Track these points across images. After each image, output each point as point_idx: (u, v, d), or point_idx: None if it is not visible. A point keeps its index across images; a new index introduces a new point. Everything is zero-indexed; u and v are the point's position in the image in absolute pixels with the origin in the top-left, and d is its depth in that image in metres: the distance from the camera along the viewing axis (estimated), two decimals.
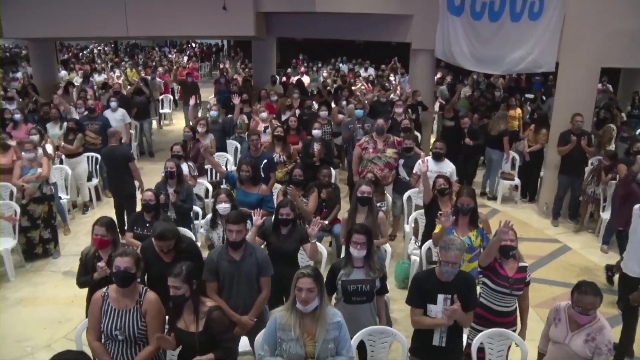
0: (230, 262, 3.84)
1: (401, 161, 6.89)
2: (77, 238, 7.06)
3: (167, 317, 3.42)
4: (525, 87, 14.17)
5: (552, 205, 8.03)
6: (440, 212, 4.92)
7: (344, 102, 9.99)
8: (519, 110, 9.97)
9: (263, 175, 6.31)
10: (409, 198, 6.64)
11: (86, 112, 8.65)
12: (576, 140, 7.41)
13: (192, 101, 8.85)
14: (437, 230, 4.63)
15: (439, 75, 14.34)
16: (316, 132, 7.33)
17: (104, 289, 3.38)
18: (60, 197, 7.30)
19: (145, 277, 4.03)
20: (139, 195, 6.53)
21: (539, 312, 5.33)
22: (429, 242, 5.14)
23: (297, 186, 5.79)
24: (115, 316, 3.29)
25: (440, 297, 3.54)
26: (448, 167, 6.38)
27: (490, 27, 8.70)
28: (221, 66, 20.11)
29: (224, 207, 4.78)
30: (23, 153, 6.39)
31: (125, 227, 5.49)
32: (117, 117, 9.13)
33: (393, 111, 8.72)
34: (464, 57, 9.33)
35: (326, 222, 6.15)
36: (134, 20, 10.04)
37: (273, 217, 4.73)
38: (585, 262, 6.83)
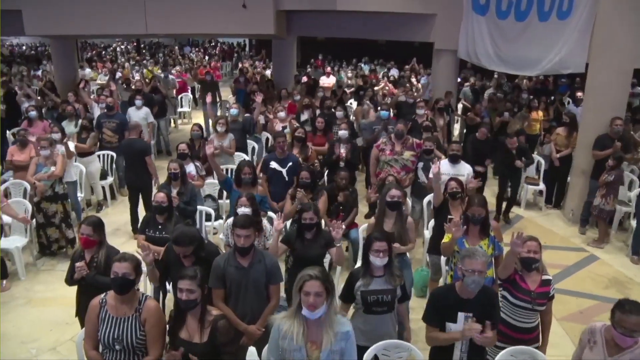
0: (238, 268, 3.66)
1: (420, 164, 6.65)
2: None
3: (167, 326, 3.25)
4: (553, 89, 13.76)
5: (579, 212, 7.69)
6: (450, 217, 4.71)
7: (367, 102, 9.76)
8: (541, 113, 9.64)
9: (287, 178, 6.19)
10: (429, 202, 6.39)
11: (105, 110, 8.58)
12: (620, 145, 7.08)
13: (208, 99, 8.74)
14: (446, 239, 4.38)
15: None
16: (342, 132, 7.08)
17: (102, 295, 3.22)
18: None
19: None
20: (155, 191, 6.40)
21: (565, 326, 5.06)
22: None
23: (304, 189, 5.58)
24: (113, 324, 3.12)
25: (461, 315, 3.29)
26: (465, 169, 6.14)
27: (516, 27, 8.42)
28: (240, 65, 20.03)
29: (244, 211, 4.56)
30: (40, 150, 6.31)
31: (138, 226, 5.34)
32: (140, 115, 9.07)
33: (415, 113, 8.49)
34: (488, 57, 9.07)
35: (343, 226, 5.94)
36: (153, 18, 9.98)
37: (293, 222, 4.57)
38: (615, 273, 6.49)
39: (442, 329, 3.33)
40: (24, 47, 27.82)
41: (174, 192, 5.48)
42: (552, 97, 11.70)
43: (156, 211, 4.85)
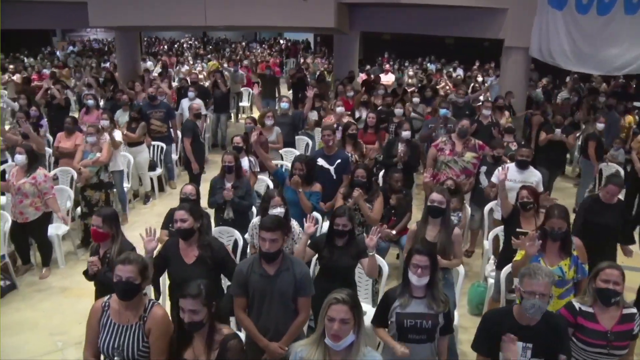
0: (263, 276, 3.23)
1: (483, 168, 6.07)
2: (133, 229, 6.81)
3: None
4: (635, 93, 12.61)
5: None
6: (520, 231, 4.11)
7: (416, 100, 9.25)
8: (629, 118, 8.71)
9: (335, 177, 5.76)
10: (491, 210, 5.83)
11: (147, 100, 8.49)
12: None
13: (255, 90, 8.48)
14: (518, 257, 3.80)
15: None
16: (406, 133, 6.60)
17: (106, 298, 2.90)
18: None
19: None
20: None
21: None
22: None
23: (360, 189, 5.08)
24: (114, 332, 2.80)
25: (519, 345, 2.79)
26: (534, 176, 5.52)
27: (598, 22, 7.68)
28: (302, 61, 19.84)
29: (276, 212, 4.14)
30: (87, 137, 6.23)
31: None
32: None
33: (479, 113, 7.87)
34: (563, 55, 8.36)
35: (393, 231, 5.50)
36: (212, 10, 9.87)
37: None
38: None
39: None
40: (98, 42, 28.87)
41: (228, 185, 5.14)
42: (635, 103, 10.70)
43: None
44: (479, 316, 5.02)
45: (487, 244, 5.59)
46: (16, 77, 12.68)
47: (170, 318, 2.85)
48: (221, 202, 5.01)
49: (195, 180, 7.05)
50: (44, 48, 22.31)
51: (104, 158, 6.16)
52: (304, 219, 3.92)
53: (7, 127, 9.05)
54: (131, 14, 10.05)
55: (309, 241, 3.89)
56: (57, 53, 21.61)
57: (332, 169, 5.78)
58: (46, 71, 14.10)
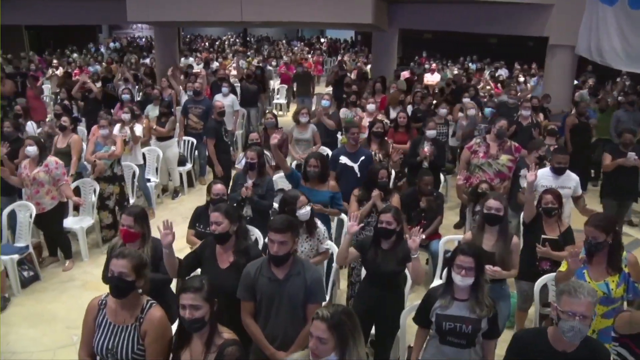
0: (271, 280, 3.03)
1: (524, 171, 5.70)
2: (159, 224, 6.78)
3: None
4: None
5: None
6: (544, 237, 3.91)
7: (465, 100, 8.90)
8: None
9: (359, 175, 5.50)
10: None
11: (191, 95, 8.46)
12: None
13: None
14: (563, 268, 3.52)
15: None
16: (430, 132, 6.33)
17: (103, 296, 2.75)
18: (148, 180, 7.12)
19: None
20: None
21: None
22: (547, 278, 4.03)
23: (381, 189, 4.85)
24: (109, 332, 2.66)
25: None
26: (571, 180, 5.15)
27: None
28: (339, 58, 19.66)
29: (305, 212, 3.90)
30: (99, 129, 6.20)
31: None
32: (226, 102, 8.84)
33: (517, 114, 7.51)
34: (614, 54, 7.89)
35: (423, 235, 5.24)
36: (248, 6, 9.82)
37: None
38: None
39: None
40: (142, 39, 29.45)
41: (249, 182, 4.97)
42: None
43: (212, 204, 4.34)
44: (511, 329, 4.74)
45: None
46: (59, 72, 12.98)
47: (168, 321, 2.68)
48: (239, 198, 4.86)
49: (221, 178, 6.94)
50: (90, 45, 22.87)
51: (118, 151, 6.11)
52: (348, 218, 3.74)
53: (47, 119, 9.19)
54: (168, 10, 10.10)
55: (353, 241, 3.69)
56: (102, 49, 22.11)
57: (355, 166, 5.57)
58: (91, 68, 14.37)
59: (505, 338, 3.98)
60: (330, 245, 4.27)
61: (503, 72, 15.45)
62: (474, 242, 3.82)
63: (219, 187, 4.48)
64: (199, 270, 3.49)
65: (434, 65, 15.56)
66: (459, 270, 2.89)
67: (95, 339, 2.67)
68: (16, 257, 5.17)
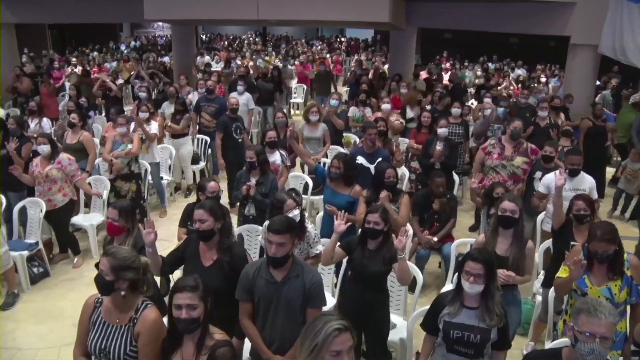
0: (269, 282, 2.95)
1: (538, 174, 5.55)
2: (171, 222, 6.75)
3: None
4: None
5: None
6: (574, 244, 3.67)
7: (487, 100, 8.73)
8: None
9: None
10: (542, 221, 5.33)
11: (205, 93, 8.45)
12: None
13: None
14: (562, 273, 3.36)
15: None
16: (442, 130, 6.20)
17: (99, 294, 2.71)
18: (161, 178, 7.11)
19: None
20: None
21: None
22: None
23: (389, 190, 4.73)
24: (103, 331, 2.61)
25: None
26: (586, 182, 4.99)
27: None
28: (356, 57, 19.53)
29: (294, 215, 3.74)
30: (117, 128, 6.21)
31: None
32: (241, 100, 8.80)
33: (535, 115, 7.33)
34: (638, 53, 7.62)
35: (435, 238, 5.14)
36: (265, 4, 9.81)
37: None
38: None
39: None
40: (163, 38, 29.67)
41: (253, 181, 4.92)
42: None
43: None
44: (524, 336, 4.60)
45: (538, 256, 5.10)
46: (78, 69, 13.11)
47: (162, 322, 2.61)
48: (242, 197, 4.80)
49: (230, 177, 6.90)
50: (111, 43, 23.11)
51: (135, 149, 6.10)
52: (335, 217, 3.62)
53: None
54: (185, 8, 10.13)
55: (338, 242, 3.59)
56: (122, 47, 22.33)
57: (372, 167, 5.47)
58: (107, 65, 14.51)
59: (515, 345, 3.89)
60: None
61: (521, 72, 15.18)
62: (486, 246, 3.71)
63: (212, 184, 4.42)
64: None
65: (447, 65, 15.35)
66: (468, 277, 2.81)
67: (90, 337, 2.63)
68: (26, 253, 5.19)
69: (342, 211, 3.68)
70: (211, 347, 2.43)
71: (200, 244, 3.31)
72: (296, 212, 3.81)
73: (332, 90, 12.11)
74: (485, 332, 2.82)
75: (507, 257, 3.63)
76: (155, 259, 3.23)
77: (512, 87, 12.10)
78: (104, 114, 9.84)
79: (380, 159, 5.51)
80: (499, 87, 11.67)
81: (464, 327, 2.84)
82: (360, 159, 5.58)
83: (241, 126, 7.25)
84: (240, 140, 7.04)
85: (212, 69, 12.55)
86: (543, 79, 13.08)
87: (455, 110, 7.49)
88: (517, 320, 3.75)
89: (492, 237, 3.76)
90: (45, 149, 5.37)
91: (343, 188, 4.80)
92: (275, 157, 5.64)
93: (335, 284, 4.42)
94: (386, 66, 16.31)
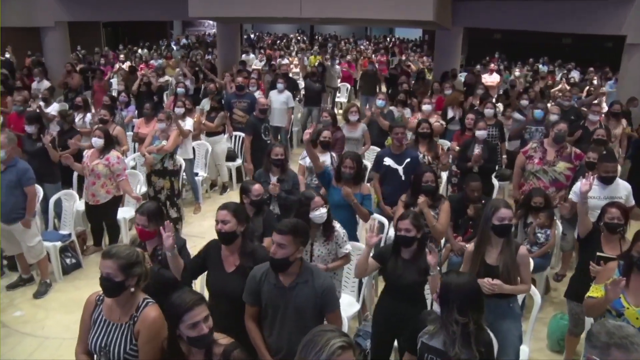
0: (276, 287, 2.83)
1: (582, 181, 5.24)
2: (205, 219, 6.78)
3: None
4: None
5: None
6: (602, 256, 3.44)
7: (524, 102, 8.38)
8: None
9: (404, 177, 5.22)
10: None
11: (234, 90, 8.42)
12: None
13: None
14: (595, 292, 3.06)
15: None
16: (480, 132, 5.99)
17: (101, 291, 2.65)
18: (196, 174, 7.13)
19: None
20: None
21: None
22: None
23: (427, 195, 4.51)
24: (103, 329, 2.56)
25: None
26: (622, 189, 4.66)
27: None
28: (403, 57, 19.22)
29: (319, 214, 3.65)
30: (157, 123, 6.26)
31: None
32: (280, 99, 8.78)
33: (585, 119, 6.96)
34: None
35: (467, 245, 4.90)
36: (307, 2, 9.73)
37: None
38: None
39: None
40: (211, 36, 30.13)
41: (274, 179, 4.82)
42: None
43: (254, 205, 4.14)
44: (559, 353, 4.34)
45: None
46: (125, 66, 13.43)
47: (163, 321, 2.49)
48: (266, 197, 4.70)
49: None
50: (162, 41, 23.63)
51: (168, 147, 6.10)
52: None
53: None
54: (228, 5, 10.19)
55: (372, 252, 3.45)
56: (172, 45, 22.80)
57: (400, 168, 5.27)
58: (153, 62, 14.79)
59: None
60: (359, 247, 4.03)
61: (575, 75, 14.56)
62: (475, 257, 3.42)
63: (257, 187, 4.18)
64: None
65: (492, 65, 14.87)
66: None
67: (91, 335, 2.60)
68: (59, 244, 5.29)
69: (375, 220, 3.55)
70: (222, 353, 2.32)
71: (222, 248, 3.22)
72: (323, 210, 3.67)
73: (378, 90, 11.96)
74: None
75: (497, 266, 3.36)
76: (176, 262, 3.15)
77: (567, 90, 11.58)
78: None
79: (408, 160, 5.30)
80: (552, 89, 11.18)
81: (438, 352, 2.61)
82: (388, 160, 5.35)
83: (269, 127, 7.18)
84: (269, 141, 6.93)
85: (253, 67, 12.62)
86: (595, 82, 12.46)
87: (488, 111, 7.19)
88: (517, 335, 3.43)
89: (483, 245, 3.44)
90: (98, 142, 5.41)
91: (352, 187, 4.58)
92: (326, 157, 5.40)
93: (359, 288, 4.29)
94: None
